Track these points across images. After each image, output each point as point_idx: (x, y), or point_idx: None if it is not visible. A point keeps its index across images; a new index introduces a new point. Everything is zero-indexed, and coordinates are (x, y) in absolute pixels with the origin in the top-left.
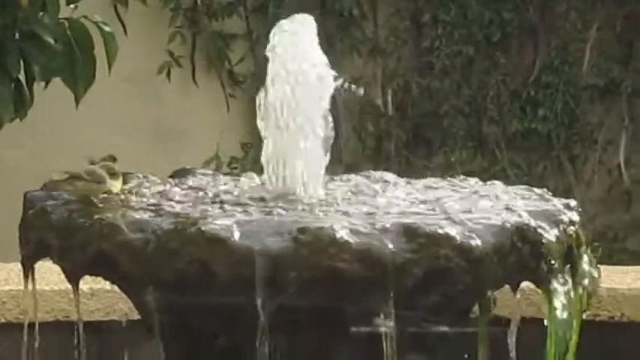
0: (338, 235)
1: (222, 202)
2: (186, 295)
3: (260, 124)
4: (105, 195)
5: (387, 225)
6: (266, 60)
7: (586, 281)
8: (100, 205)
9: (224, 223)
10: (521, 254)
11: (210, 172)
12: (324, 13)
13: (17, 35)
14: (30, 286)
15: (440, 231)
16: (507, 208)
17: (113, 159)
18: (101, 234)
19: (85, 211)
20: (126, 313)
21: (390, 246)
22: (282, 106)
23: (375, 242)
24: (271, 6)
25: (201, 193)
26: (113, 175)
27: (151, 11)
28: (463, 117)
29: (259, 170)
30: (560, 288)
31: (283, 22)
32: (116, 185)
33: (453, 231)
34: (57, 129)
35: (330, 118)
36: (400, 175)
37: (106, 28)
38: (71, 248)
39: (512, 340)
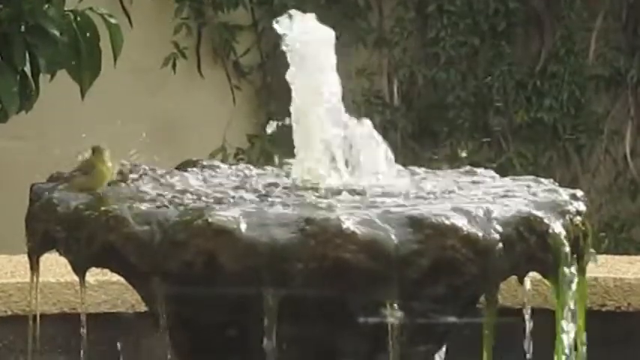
0: (344, 226)
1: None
2: (193, 286)
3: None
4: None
5: (394, 216)
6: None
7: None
8: (106, 197)
9: (231, 214)
10: (528, 245)
11: (217, 163)
12: (329, 3)
13: (23, 28)
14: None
15: (446, 222)
16: (513, 199)
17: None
18: (108, 226)
19: (92, 204)
20: (133, 305)
21: (396, 237)
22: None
23: (380, 233)
24: None
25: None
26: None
27: (156, 3)
28: (469, 108)
29: (265, 162)
30: (567, 278)
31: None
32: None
33: (460, 222)
34: (62, 121)
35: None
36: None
37: (112, 20)
38: (77, 240)
39: (527, 331)
